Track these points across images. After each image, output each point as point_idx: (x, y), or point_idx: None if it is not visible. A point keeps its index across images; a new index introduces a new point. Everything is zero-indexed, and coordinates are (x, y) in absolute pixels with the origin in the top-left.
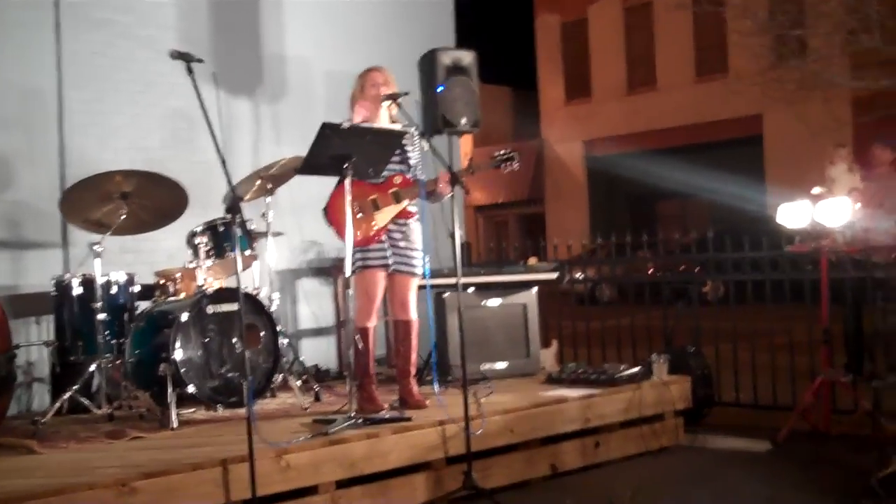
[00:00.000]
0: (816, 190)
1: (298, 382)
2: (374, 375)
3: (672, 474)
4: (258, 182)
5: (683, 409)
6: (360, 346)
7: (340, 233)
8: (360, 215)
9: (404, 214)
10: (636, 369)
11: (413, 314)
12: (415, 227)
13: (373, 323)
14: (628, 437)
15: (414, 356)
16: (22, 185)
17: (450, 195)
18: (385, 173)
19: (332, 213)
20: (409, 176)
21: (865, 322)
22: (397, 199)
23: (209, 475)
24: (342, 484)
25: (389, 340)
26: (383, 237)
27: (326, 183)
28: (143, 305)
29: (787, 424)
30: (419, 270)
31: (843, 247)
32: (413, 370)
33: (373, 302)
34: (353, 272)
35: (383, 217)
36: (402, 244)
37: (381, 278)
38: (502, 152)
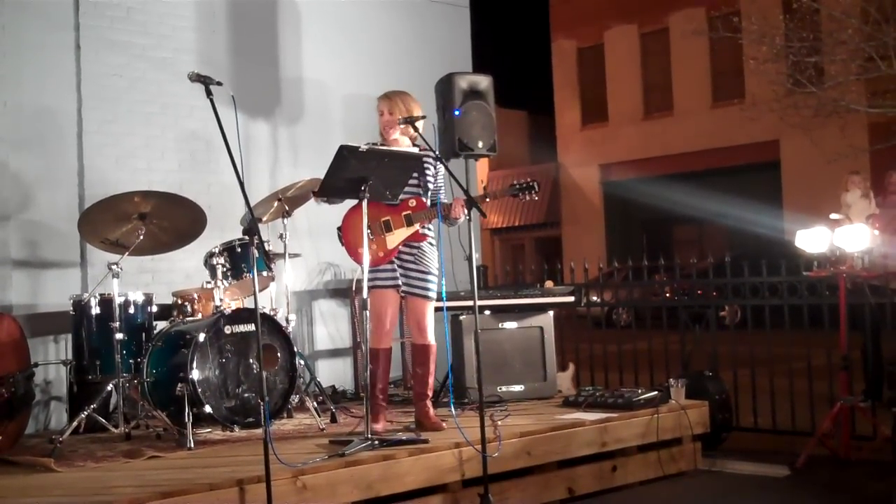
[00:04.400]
0: (835, 216)
1: (315, 403)
2: (379, 397)
3: (690, 499)
4: (276, 204)
5: (701, 434)
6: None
7: (351, 253)
8: (371, 236)
9: (416, 237)
10: (654, 393)
11: (430, 338)
12: (428, 251)
13: (384, 345)
14: (646, 461)
15: (431, 380)
16: (41, 205)
17: (466, 219)
18: (402, 193)
19: (345, 233)
20: (425, 199)
21: (884, 348)
22: (409, 221)
23: (226, 495)
24: None
25: (406, 362)
26: (393, 259)
27: (343, 205)
28: (160, 325)
29: (806, 450)
30: (433, 294)
31: (861, 272)
32: (430, 393)
33: (382, 323)
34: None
35: (394, 239)
36: (413, 266)
37: (391, 299)
38: (523, 181)
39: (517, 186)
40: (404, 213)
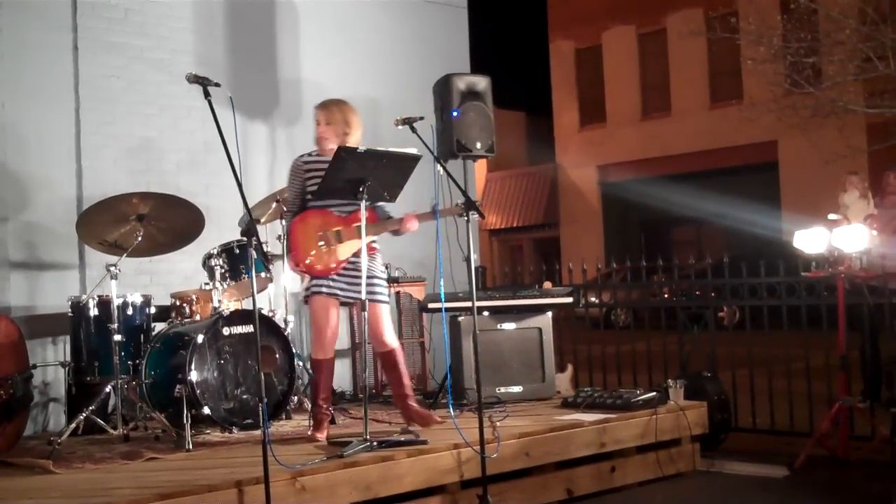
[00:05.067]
0: (833, 216)
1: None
2: (323, 406)
3: (688, 500)
4: (274, 205)
5: (700, 435)
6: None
7: (299, 258)
8: (322, 245)
9: (367, 250)
10: (652, 394)
11: (394, 341)
12: (375, 259)
13: (328, 356)
14: (644, 462)
15: (406, 379)
16: (39, 206)
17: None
18: (354, 207)
19: (294, 239)
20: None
21: (882, 348)
22: (361, 234)
23: (224, 497)
24: None
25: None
26: (341, 270)
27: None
28: (159, 327)
29: (805, 450)
30: (386, 298)
31: (859, 273)
32: (410, 392)
33: (324, 332)
34: (305, 300)
35: (345, 250)
36: (374, 273)
37: (333, 308)
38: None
39: (462, 207)
40: (356, 224)
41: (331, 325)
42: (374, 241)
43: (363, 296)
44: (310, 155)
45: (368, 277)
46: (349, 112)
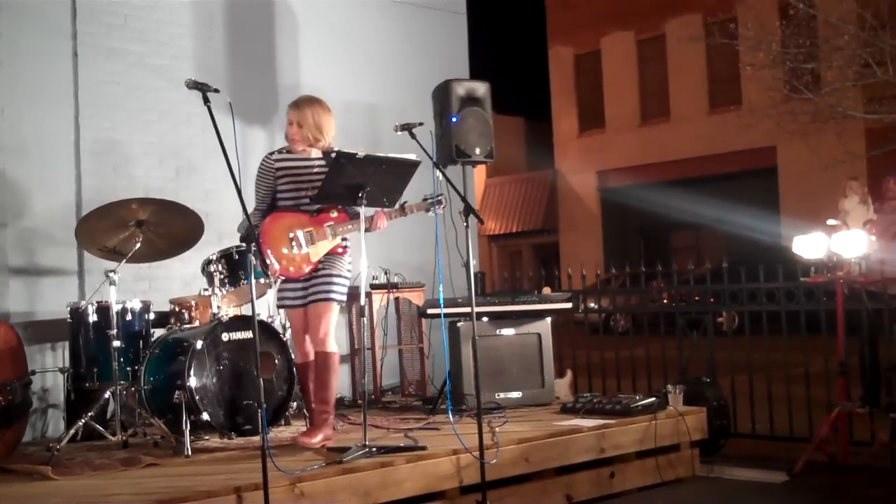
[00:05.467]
0: (831, 221)
1: None
2: (314, 409)
3: None
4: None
5: (699, 440)
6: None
7: (266, 255)
8: (294, 247)
9: (336, 251)
10: (651, 400)
11: (332, 345)
12: (339, 258)
13: (305, 359)
14: (644, 467)
15: (328, 393)
16: (38, 212)
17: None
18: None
19: (266, 241)
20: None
21: (881, 353)
22: (333, 234)
23: (223, 503)
24: None
25: (404, 368)
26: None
27: None
28: (158, 333)
29: (804, 456)
30: (338, 296)
31: (858, 278)
32: (328, 411)
33: (303, 337)
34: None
35: (317, 252)
36: (320, 272)
37: (296, 316)
38: (432, 194)
39: (429, 201)
40: (327, 224)
41: (298, 331)
42: (345, 240)
43: (311, 297)
44: (280, 152)
45: (329, 275)
46: (322, 115)
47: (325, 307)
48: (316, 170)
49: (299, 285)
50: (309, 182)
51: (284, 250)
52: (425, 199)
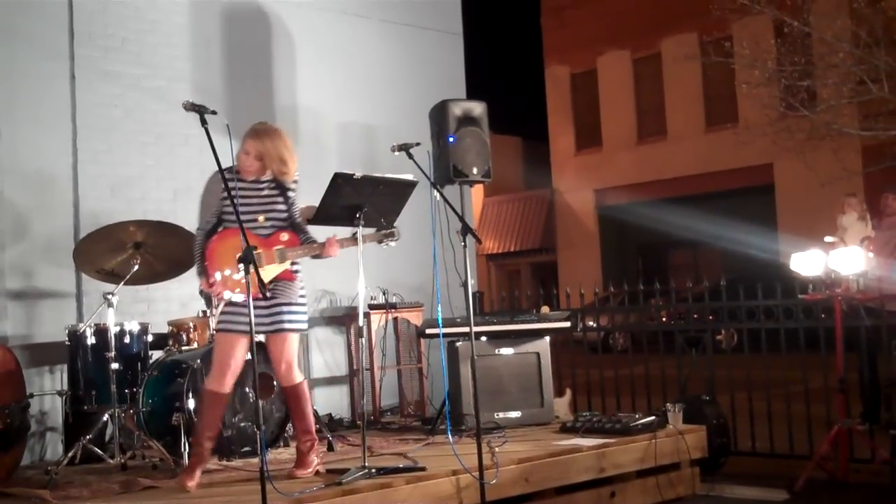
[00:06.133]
0: (829, 238)
1: None
2: (205, 445)
3: None
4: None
5: (699, 459)
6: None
7: (212, 275)
8: (241, 268)
9: (287, 276)
10: (651, 418)
11: (299, 374)
12: (294, 283)
13: (225, 390)
14: (644, 486)
15: (308, 422)
16: (36, 235)
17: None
18: (272, 224)
19: (211, 263)
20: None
21: (881, 370)
22: (282, 257)
23: None
24: None
25: (402, 388)
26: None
27: (340, 233)
28: (156, 355)
29: (805, 473)
30: (299, 326)
31: (856, 295)
32: (312, 439)
33: (227, 366)
34: (216, 330)
35: (265, 276)
36: (276, 300)
37: (240, 344)
38: (384, 228)
39: (381, 233)
40: (276, 247)
41: (236, 359)
42: (295, 265)
43: (265, 329)
44: (228, 171)
45: (285, 304)
46: (285, 148)
47: (283, 338)
48: (265, 192)
49: (253, 312)
50: (259, 205)
51: (228, 272)
52: (378, 231)
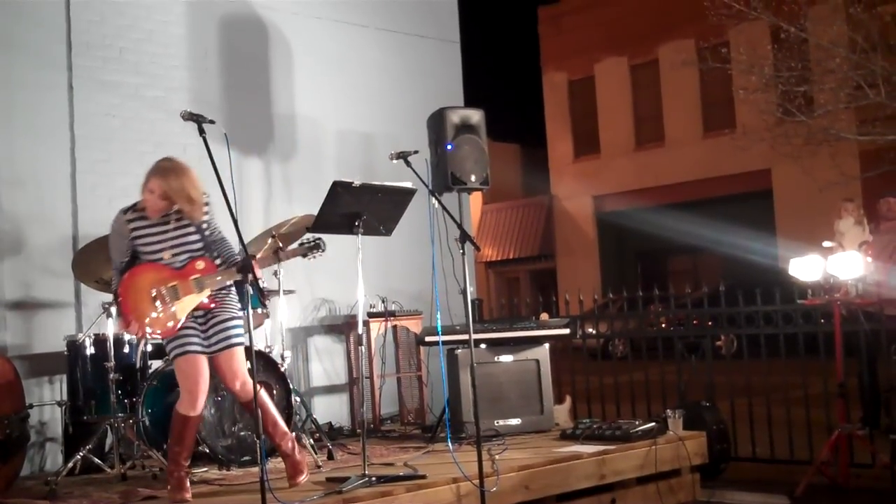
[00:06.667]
0: (827, 243)
1: (311, 440)
2: (184, 465)
3: None
4: (270, 240)
5: (700, 465)
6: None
7: (134, 321)
8: (157, 305)
9: (208, 305)
10: (651, 425)
11: (251, 386)
12: (229, 299)
13: (196, 412)
14: (645, 493)
15: (279, 427)
16: (34, 245)
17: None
18: (185, 256)
19: (125, 299)
20: (210, 257)
21: (881, 374)
22: (200, 287)
23: None
24: None
25: (402, 396)
26: (193, 323)
27: (339, 241)
28: (155, 364)
29: (805, 479)
30: (242, 339)
31: (855, 300)
32: (288, 439)
33: (199, 388)
34: (172, 359)
35: (183, 308)
36: (215, 319)
37: (202, 364)
38: (309, 238)
39: (306, 245)
40: (193, 277)
41: (204, 379)
42: (218, 293)
43: (213, 348)
44: (134, 210)
45: (227, 319)
46: (190, 187)
47: (232, 354)
48: (173, 224)
49: (195, 333)
50: (166, 241)
51: (150, 312)
52: (302, 244)
